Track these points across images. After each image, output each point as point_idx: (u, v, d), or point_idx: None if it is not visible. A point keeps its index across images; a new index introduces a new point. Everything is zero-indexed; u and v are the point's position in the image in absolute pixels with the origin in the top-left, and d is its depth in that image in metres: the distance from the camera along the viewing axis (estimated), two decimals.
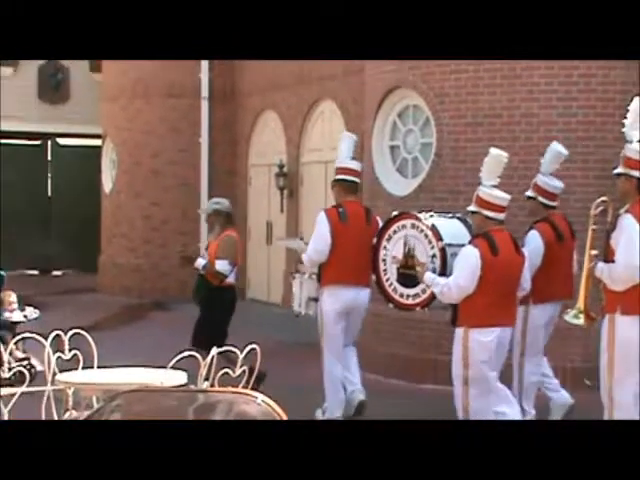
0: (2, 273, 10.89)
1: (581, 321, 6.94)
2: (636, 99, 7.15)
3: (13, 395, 6.36)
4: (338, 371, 8.30)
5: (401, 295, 7.82)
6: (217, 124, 17.43)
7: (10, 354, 7.93)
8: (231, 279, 9.56)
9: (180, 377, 6.23)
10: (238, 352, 6.01)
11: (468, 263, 7.06)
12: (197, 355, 5.88)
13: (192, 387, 5.99)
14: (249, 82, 17.04)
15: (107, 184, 18.50)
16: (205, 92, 17.17)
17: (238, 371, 5.92)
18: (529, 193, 8.12)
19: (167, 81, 17.07)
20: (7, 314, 10.39)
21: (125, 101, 17.75)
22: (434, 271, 7.35)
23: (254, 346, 6.06)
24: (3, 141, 21.44)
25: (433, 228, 7.55)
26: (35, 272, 20.94)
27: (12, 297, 10.61)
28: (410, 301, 7.77)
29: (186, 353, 5.89)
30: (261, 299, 15.89)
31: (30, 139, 21.77)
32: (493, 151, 7.36)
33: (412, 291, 7.70)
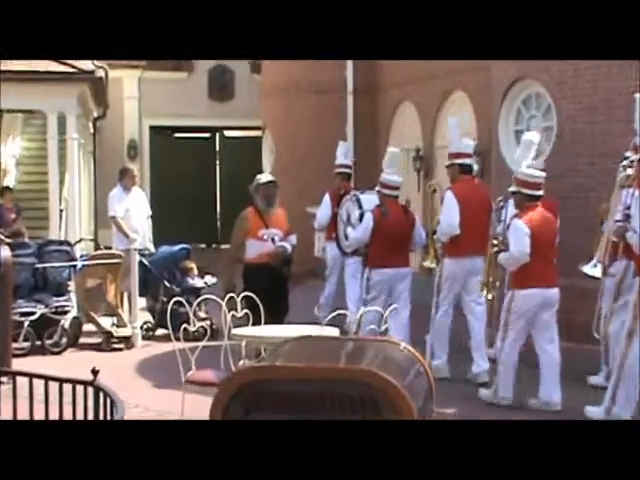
0: (188, 247, 11.68)
1: None
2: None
3: (197, 347, 6.54)
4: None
5: (345, 246, 10.30)
6: (360, 115, 17.78)
7: (194, 314, 7.95)
8: None
9: (332, 332, 6.27)
10: (383, 311, 6.30)
11: (365, 224, 9.26)
12: (347, 312, 6.12)
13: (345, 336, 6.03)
14: (388, 77, 17.23)
15: (267, 169, 18.33)
16: (350, 87, 17.65)
17: (383, 327, 6.03)
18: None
19: (316, 79, 17.61)
20: (191, 281, 11.10)
21: (281, 97, 18.32)
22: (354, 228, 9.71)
23: (395, 305, 6.79)
24: (178, 135, 23.01)
25: (358, 200, 10.12)
26: (202, 245, 21.82)
27: (193, 266, 11.34)
28: (348, 250, 10.23)
29: (337, 312, 6.12)
30: None
31: (201, 132, 23.26)
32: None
33: (348, 242, 10.07)
